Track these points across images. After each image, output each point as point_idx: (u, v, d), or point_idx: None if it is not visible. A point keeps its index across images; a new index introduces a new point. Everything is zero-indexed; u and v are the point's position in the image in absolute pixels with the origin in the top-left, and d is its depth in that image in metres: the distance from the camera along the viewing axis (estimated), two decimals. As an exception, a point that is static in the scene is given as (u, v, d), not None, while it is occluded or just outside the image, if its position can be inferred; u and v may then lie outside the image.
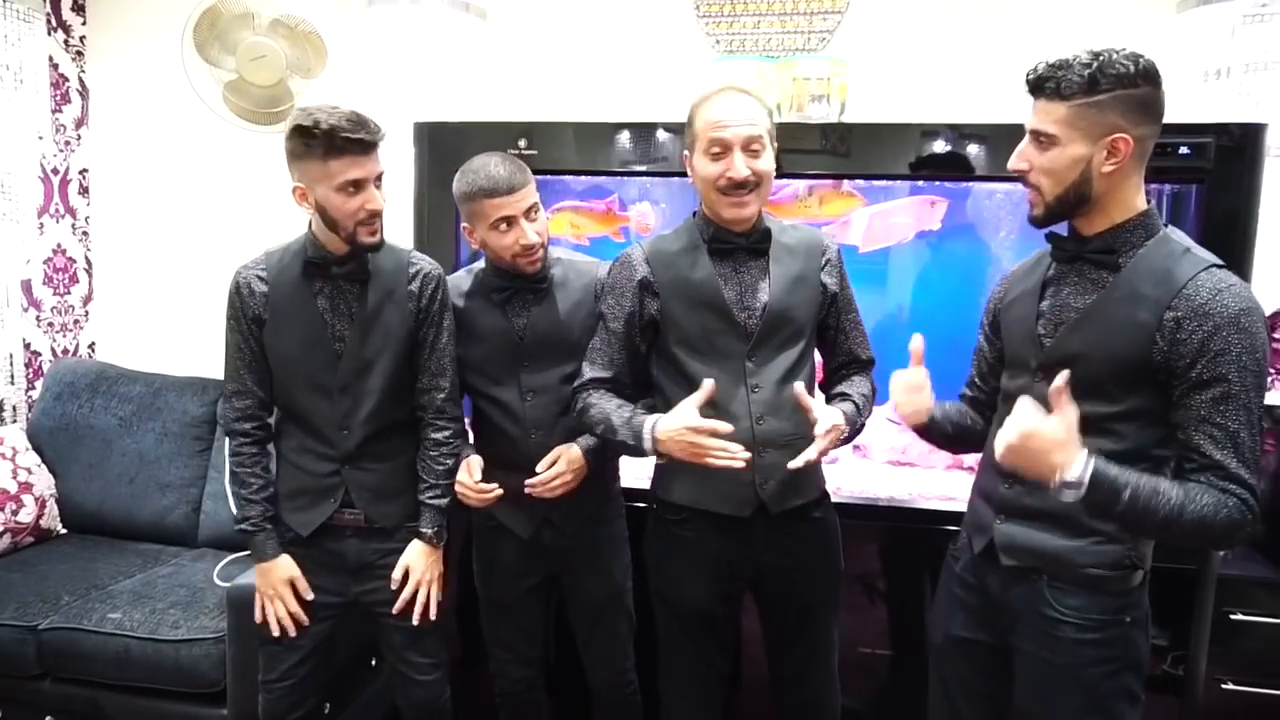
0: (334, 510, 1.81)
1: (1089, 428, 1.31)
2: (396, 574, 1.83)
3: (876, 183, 2.37)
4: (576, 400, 1.76)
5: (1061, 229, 1.43)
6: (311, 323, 1.77)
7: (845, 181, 2.38)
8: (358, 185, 1.66)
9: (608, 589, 1.93)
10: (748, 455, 1.54)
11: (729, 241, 1.67)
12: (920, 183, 2.35)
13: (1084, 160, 1.30)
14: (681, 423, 1.56)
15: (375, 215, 1.71)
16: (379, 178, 1.71)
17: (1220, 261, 1.31)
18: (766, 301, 1.66)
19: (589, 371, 1.76)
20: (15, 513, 2.64)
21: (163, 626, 2.23)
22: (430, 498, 1.84)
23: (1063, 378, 1.25)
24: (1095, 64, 1.27)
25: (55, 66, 3.03)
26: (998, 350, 1.57)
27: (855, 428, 1.69)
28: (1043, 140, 1.33)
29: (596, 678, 2.00)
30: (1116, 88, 1.27)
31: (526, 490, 1.77)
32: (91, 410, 2.86)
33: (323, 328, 1.77)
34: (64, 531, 2.82)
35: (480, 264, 1.91)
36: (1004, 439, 1.28)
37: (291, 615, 1.82)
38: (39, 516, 2.71)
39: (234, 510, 1.85)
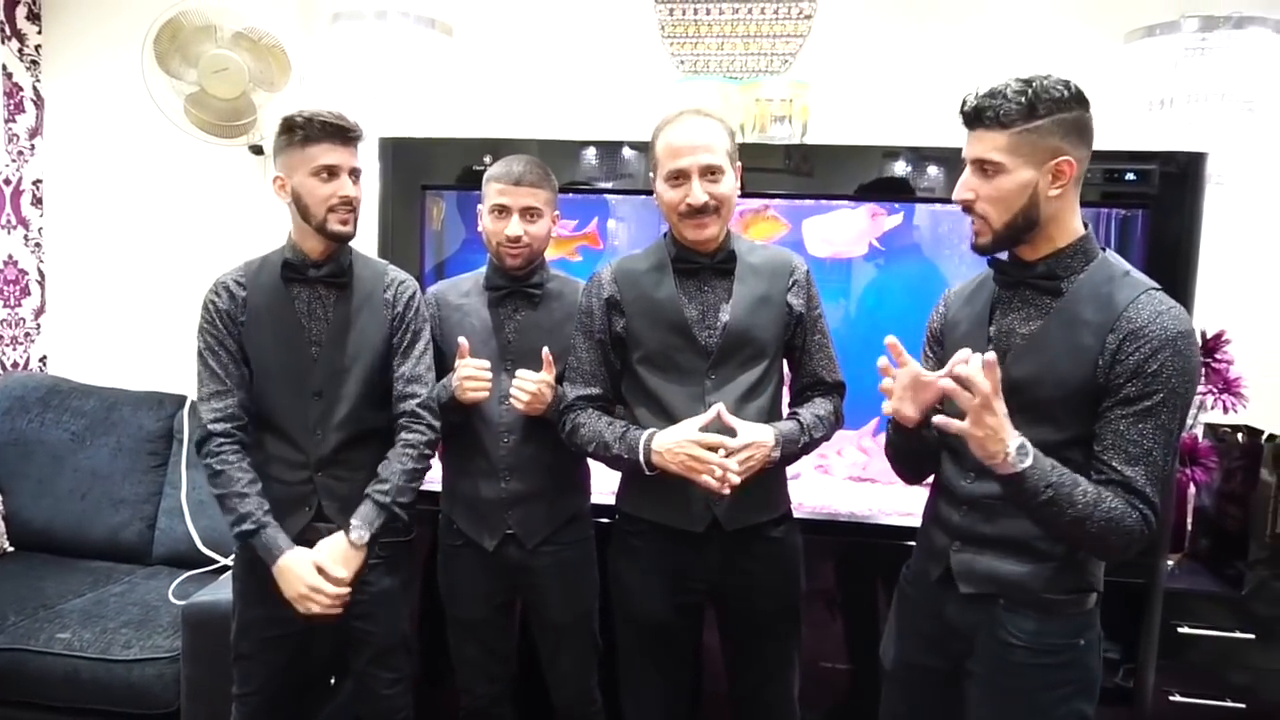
0: (308, 522, 1.79)
1: (1040, 451, 1.33)
2: (313, 569, 1.71)
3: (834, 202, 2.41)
4: (565, 421, 1.77)
5: (1003, 253, 1.44)
6: (288, 325, 1.78)
7: (770, 205, 2.41)
8: (331, 171, 1.73)
9: (573, 611, 1.92)
10: (737, 480, 1.56)
11: (693, 261, 1.70)
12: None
13: (1030, 185, 1.32)
14: (684, 436, 1.59)
15: (347, 203, 1.75)
16: (355, 172, 1.77)
17: (1157, 285, 1.35)
18: (727, 321, 1.69)
19: (573, 391, 1.78)
20: (-40, 530, 2.57)
21: (114, 646, 2.19)
22: (375, 490, 1.76)
23: (990, 356, 1.26)
24: (1030, 90, 1.30)
25: (9, 75, 2.98)
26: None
27: (797, 446, 1.68)
28: (988, 169, 1.34)
29: (560, 698, 1.99)
30: (1054, 111, 1.30)
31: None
32: (42, 425, 2.80)
33: (299, 330, 1.78)
34: (11, 549, 2.74)
35: (483, 269, 1.94)
36: (976, 403, 1.25)
37: (335, 598, 1.71)
38: (-15, 534, 2.65)
39: (227, 517, 1.74)
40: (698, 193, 1.61)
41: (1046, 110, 1.30)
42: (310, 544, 1.76)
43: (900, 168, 2.15)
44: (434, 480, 2.25)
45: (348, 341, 1.79)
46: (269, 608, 1.80)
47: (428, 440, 1.82)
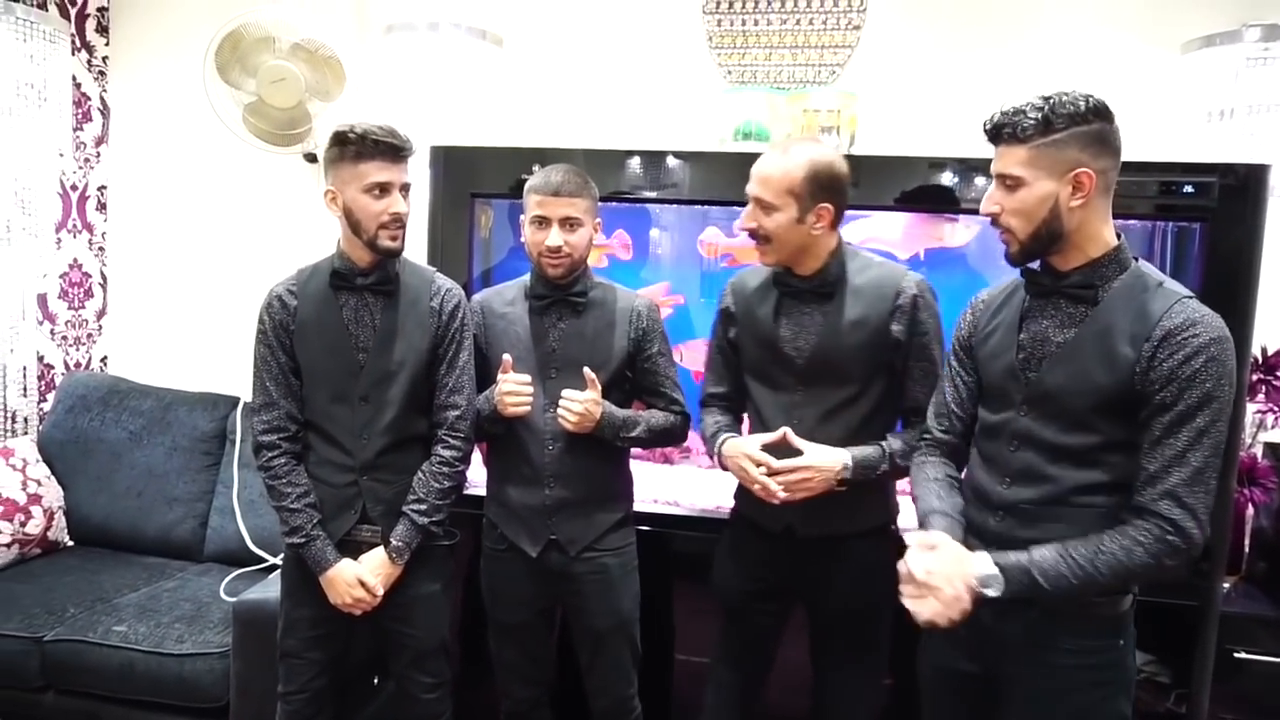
0: (353, 524, 1.83)
1: (1078, 459, 1.37)
2: (351, 580, 1.81)
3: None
4: (701, 412, 1.94)
5: (1035, 263, 1.46)
6: (335, 331, 1.82)
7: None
8: (384, 189, 1.75)
9: (614, 618, 1.93)
10: (783, 495, 1.67)
11: (790, 284, 1.77)
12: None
13: (1051, 197, 1.35)
14: (742, 450, 1.73)
15: (398, 220, 1.78)
16: (405, 188, 1.80)
17: (1191, 294, 1.36)
18: (814, 343, 1.74)
19: (705, 388, 1.96)
20: (23, 524, 2.66)
21: (167, 640, 2.24)
22: (415, 510, 1.84)
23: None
24: (1046, 106, 1.34)
25: (78, 85, 3.08)
26: (975, 377, 1.57)
27: (875, 473, 1.71)
28: (1009, 183, 1.38)
29: (598, 705, 2.00)
30: (1070, 125, 1.33)
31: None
32: (102, 424, 2.89)
33: (346, 337, 1.82)
34: (71, 544, 2.83)
35: (527, 276, 1.97)
36: (914, 596, 1.39)
37: (376, 601, 1.82)
38: (47, 528, 2.73)
39: (280, 526, 1.84)
40: (745, 218, 1.73)
41: (1063, 124, 1.33)
42: (355, 544, 1.83)
43: (948, 179, 2.13)
44: (477, 484, 2.28)
45: (394, 349, 1.83)
46: (314, 607, 1.86)
47: (462, 455, 1.88)
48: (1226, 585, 2.22)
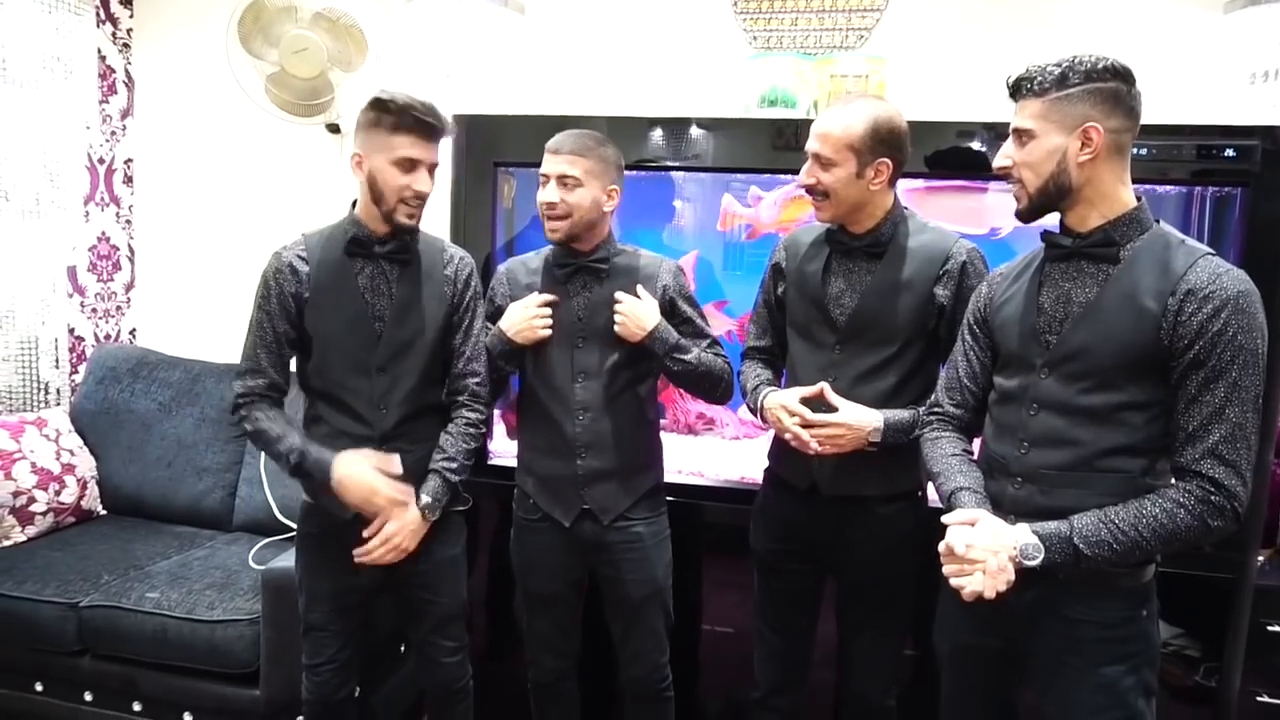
0: None
1: (1101, 420, 1.37)
2: (372, 532, 1.76)
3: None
4: (743, 364, 1.96)
5: (1055, 228, 1.47)
6: (352, 301, 1.80)
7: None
8: (412, 164, 1.74)
9: (647, 587, 1.93)
10: (816, 447, 1.69)
11: (843, 242, 1.78)
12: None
13: (1059, 151, 1.37)
14: (780, 400, 1.75)
15: (419, 198, 1.77)
16: (433, 167, 1.79)
17: (1213, 250, 1.37)
18: (859, 302, 1.75)
19: (748, 341, 1.99)
20: (58, 493, 2.71)
21: (199, 607, 2.28)
22: (443, 466, 1.83)
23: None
24: (1066, 63, 1.37)
25: (103, 58, 3.09)
26: (989, 352, 1.57)
27: (907, 437, 1.71)
28: (1022, 136, 1.41)
29: (630, 674, 2.01)
30: (1086, 81, 1.36)
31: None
32: (132, 395, 2.93)
33: (363, 306, 1.81)
34: (104, 512, 2.88)
35: (544, 250, 1.97)
36: (957, 572, 1.38)
37: (393, 502, 1.75)
38: (80, 497, 2.78)
39: (279, 466, 1.80)
40: (803, 174, 1.72)
41: (1078, 80, 1.36)
42: (367, 518, 1.80)
43: (978, 144, 2.08)
44: (503, 455, 2.29)
45: (411, 318, 1.82)
46: (334, 580, 1.86)
47: (485, 418, 1.90)
48: (1261, 558, 2.18)
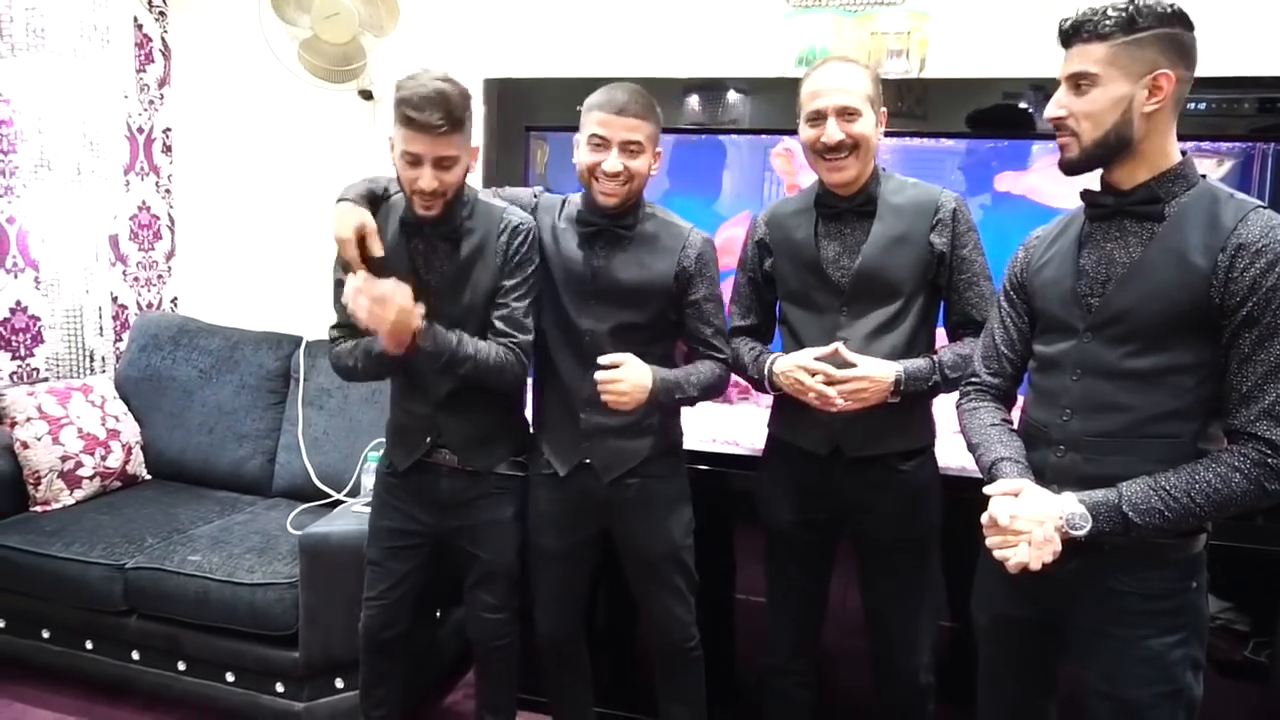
0: (429, 449, 1.88)
1: (1148, 383, 1.32)
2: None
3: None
4: (733, 343, 1.92)
5: (1095, 186, 1.40)
6: (405, 275, 1.74)
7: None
8: (415, 160, 1.69)
9: (664, 545, 1.91)
10: (841, 403, 1.66)
11: (833, 205, 1.75)
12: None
13: (1125, 100, 1.30)
14: (796, 361, 1.71)
15: (422, 193, 1.71)
16: (444, 160, 1.69)
17: (1264, 203, 1.30)
18: (859, 261, 1.72)
19: (734, 321, 1.94)
20: (104, 458, 2.76)
21: (239, 570, 2.32)
22: (463, 341, 1.76)
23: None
24: (1132, 4, 1.29)
25: (139, 27, 3.11)
26: (1027, 319, 1.52)
27: (926, 385, 1.70)
28: (1082, 83, 1.32)
29: (656, 634, 2.00)
30: (1156, 26, 1.28)
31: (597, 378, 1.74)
32: (174, 362, 2.97)
33: (415, 282, 1.75)
34: (148, 477, 2.94)
35: (578, 195, 1.89)
36: (1002, 544, 1.34)
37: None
38: (125, 462, 2.84)
39: (369, 365, 1.83)
40: (832, 131, 1.66)
41: (1147, 24, 1.28)
42: (433, 465, 1.89)
43: (1024, 103, 2.01)
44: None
45: (464, 291, 1.82)
46: (395, 520, 1.95)
47: (524, 371, 1.84)
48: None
